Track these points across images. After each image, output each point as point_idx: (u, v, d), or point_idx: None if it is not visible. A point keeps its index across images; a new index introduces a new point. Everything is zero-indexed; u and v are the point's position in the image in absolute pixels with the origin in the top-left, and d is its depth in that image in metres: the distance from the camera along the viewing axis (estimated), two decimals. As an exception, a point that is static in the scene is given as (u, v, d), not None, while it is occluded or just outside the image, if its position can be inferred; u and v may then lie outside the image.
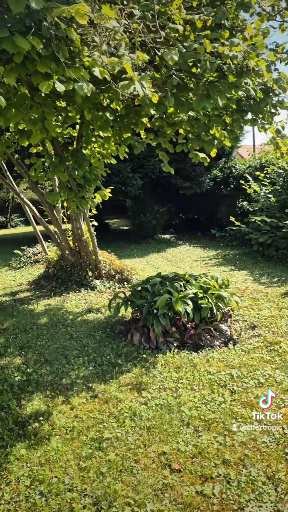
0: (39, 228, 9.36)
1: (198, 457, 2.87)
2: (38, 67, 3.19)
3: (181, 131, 5.75)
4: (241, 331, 5.15)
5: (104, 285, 7.40)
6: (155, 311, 4.74)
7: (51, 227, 7.98)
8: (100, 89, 3.80)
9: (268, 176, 11.63)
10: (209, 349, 4.61)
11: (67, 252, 7.67)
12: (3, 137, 6.36)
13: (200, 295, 4.92)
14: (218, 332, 4.89)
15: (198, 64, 3.79)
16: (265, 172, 11.85)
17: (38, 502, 2.48)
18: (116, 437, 3.12)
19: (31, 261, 10.48)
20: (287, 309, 5.83)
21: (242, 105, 4.87)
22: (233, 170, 14.71)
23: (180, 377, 4.01)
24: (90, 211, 7.75)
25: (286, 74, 4.64)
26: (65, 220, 8.95)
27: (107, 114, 4.94)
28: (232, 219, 11.49)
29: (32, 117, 4.32)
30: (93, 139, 6.18)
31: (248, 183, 11.71)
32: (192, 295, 4.90)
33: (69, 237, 7.93)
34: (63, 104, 5.28)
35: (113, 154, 6.82)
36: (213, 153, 6.44)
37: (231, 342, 4.79)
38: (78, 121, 5.93)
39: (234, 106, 4.91)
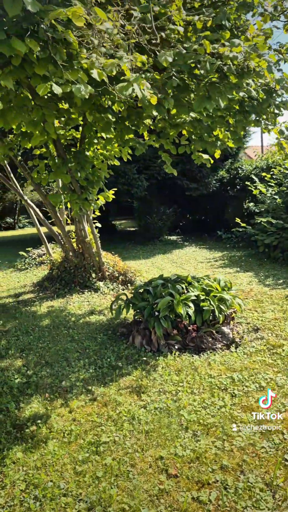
0: (44, 229, 9.38)
1: (195, 462, 2.84)
2: (36, 69, 3.19)
3: (184, 132, 5.72)
4: (243, 333, 5.10)
5: (108, 287, 7.39)
6: (156, 313, 4.72)
7: (55, 229, 7.99)
8: (100, 91, 3.79)
9: (274, 177, 11.54)
10: (210, 352, 4.57)
11: (70, 253, 7.67)
12: (5, 139, 6.39)
13: (202, 297, 4.89)
14: (220, 334, 4.85)
15: (198, 66, 3.76)
16: (271, 173, 11.77)
17: (32, 507, 2.47)
18: (114, 441, 3.10)
19: (36, 263, 10.52)
20: (291, 312, 5.78)
21: (245, 106, 4.84)
22: (240, 171, 14.63)
23: (181, 380, 3.98)
24: (94, 212, 7.75)
25: (290, 74, 4.58)
26: (69, 221, 8.97)
27: (109, 116, 4.93)
28: (237, 220, 11.42)
29: (33, 120, 4.33)
30: (95, 141, 6.17)
31: (254, 184, 11.64)
32: (194, 298, 4.86)
33: (72, 238, 7.93)
34: (66, 106, 5.28)
35: (116, 156, 6.81)
36: (217, 154, 6.41)
37: (233, 345, 4.75)
38: (81, 123, 5.93)
39: (237, 107, 4.87)
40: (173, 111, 5.26)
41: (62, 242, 7.75)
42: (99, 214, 7.95)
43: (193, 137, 5.70)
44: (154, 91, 3.61)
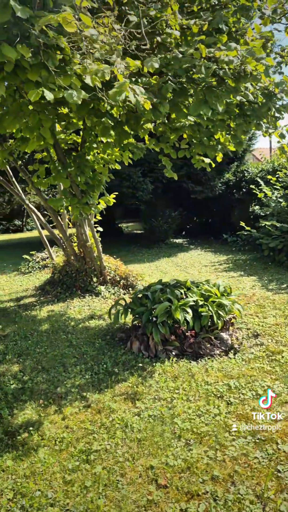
0: (46, 233, 9.39)
1: (186, 472, 2.79)
2: (28, 75, 3.18)
3: (184, 136, 5.69)
4: (243, 339, 5.04)
5: (109, 291, 7.37)
6: (154, 319, 4.69)
7: (57, 232, 8.00)
8: (95, 96, 3.77)
9: (280, 180, 11.43)
10: (208, 358, 4.52)
11: (72, 257, 7.67)
12: (5, 144, 6.41)
13: (201, 303, 4.84)
14: (219, 340, 4.79)
15: (194, 70, 3.73)
16: (277, 176, 11.67)
17: (18, 517, 2.45)
18: (105, 449, 3.07)
19: (39, 266, 10.53)
20: (293, 317, 5.70)
21: (245, 110, 4.79)
22: (246, 174, 14.54)
23: (177, 387, 3.94)
24: (95, 216, 7.74)
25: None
26: (71, 225, 8.96)
27: (108, 120, 4.91)
28: (242, 223, 11.33)
29: (30, 125, 4.33)
30: (95, 145, 6.16)
31: (259, 187, 11.54)
32: (193, 303, 4.82)
33: (74, 242, 7.93)
34: (65, 110, 5.28)
35: (117, 160, 6.79)
36: (219, 158, 6.38)
37: (232, 351, 4.69)
38: (81, 127, 5.92)
39: (237, 111, 4.83)
40: (173, 115, 5.23)
41: (64, 246, 7.75)
42: (100, 218, 7.93)
43: (193, 141, 5.67)
44: (149, 96, 3.59)
